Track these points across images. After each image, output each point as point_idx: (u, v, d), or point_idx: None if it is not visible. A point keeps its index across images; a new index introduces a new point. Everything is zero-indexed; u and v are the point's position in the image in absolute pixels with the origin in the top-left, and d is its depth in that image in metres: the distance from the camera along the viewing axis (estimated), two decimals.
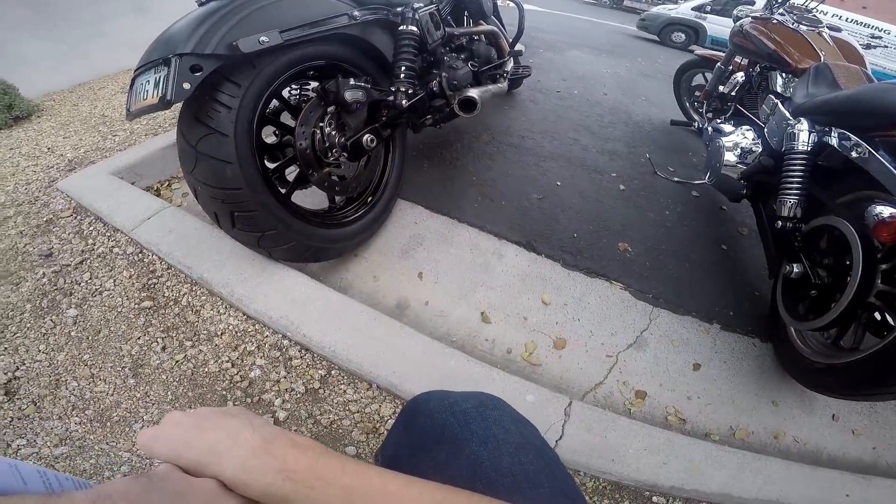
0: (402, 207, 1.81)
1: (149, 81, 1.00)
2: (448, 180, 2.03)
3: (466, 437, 0.48)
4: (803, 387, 1.33)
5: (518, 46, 2.32)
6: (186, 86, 0.96)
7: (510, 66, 2.29)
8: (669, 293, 1.66)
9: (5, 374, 1.16)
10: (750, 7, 2.29)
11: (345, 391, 1.21)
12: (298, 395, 1.18)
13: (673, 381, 1.40)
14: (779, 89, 1.82)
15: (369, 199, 1.58)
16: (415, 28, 1.44)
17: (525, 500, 0.43)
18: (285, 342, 1.28)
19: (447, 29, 1.75)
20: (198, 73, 0.97)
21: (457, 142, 2.33)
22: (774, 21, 1.99)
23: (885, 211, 1.05)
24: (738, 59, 2.30)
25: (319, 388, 1.20)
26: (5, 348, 1.22)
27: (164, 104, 0.95)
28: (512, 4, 2.52)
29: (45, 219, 1.58)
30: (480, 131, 2.47)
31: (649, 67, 5.05)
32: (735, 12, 2.33)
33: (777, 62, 1.84)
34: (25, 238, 1.51)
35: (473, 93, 1.61)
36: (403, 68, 1.43)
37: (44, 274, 1.40)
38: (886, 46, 6.22)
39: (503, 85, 2.15)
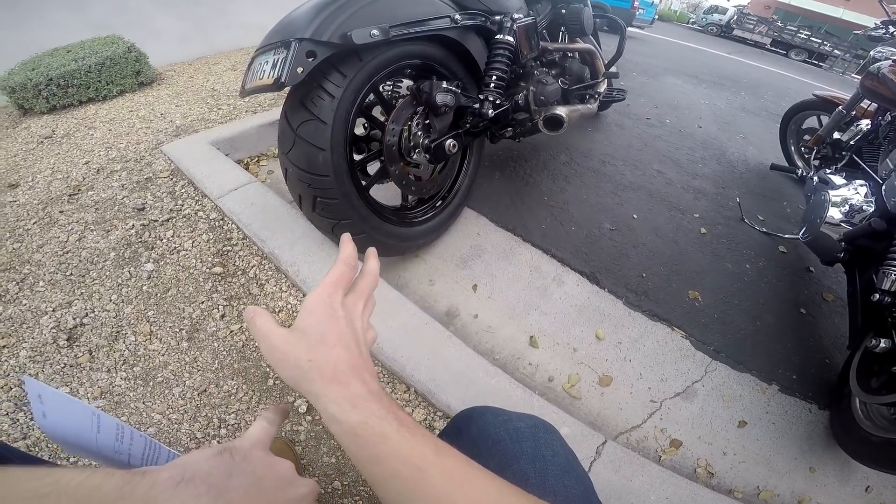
0: (468, 216, 1.81)
1: (267, 62, 1.04)
2: (518, 196, 1.99)
3: (517, 453, 0.50)
4: (850, 457, 1.27)
5: (611, 69, 2.24)
6: (300, 70, 0.99)
7: (603, 87, 2.20)
8: (732, 348, 1.55)
9: (74, 318, 1.24)
10: (892, 49, 2.03)
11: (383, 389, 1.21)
12: None
13: (713, 434, 1.33)
14: None
15: (438, 203, 1.59)
16: (511, 38, 1.42)
17: None
18: None
19: (542, 43, 1.72)
20: (311, 59, 1.00)
21: (532, 158, 2.29)
22: None
23: None
24: (864, 104, 2.06)
25: None
26: (82, 293, 1.31)
27: (277, 85, 0.99)
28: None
29: (145, 177, 1.74)
30: (559, 150, 2.41)
31: (753, 103, 4.69)
32: (872, 53, 2.08)
33: None
34: (125, 191, 1.67)
35: (562, 111, 1.56)
36: (494, 77, 1.42)
37: (133, 225, 1.53)
38: None
39: (593, 106, 2.07)
